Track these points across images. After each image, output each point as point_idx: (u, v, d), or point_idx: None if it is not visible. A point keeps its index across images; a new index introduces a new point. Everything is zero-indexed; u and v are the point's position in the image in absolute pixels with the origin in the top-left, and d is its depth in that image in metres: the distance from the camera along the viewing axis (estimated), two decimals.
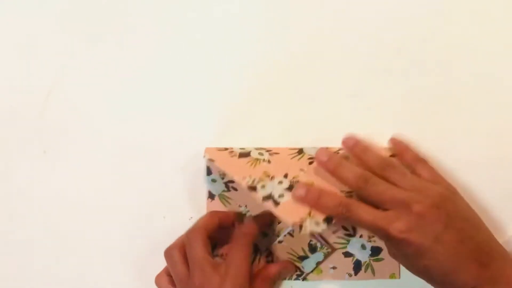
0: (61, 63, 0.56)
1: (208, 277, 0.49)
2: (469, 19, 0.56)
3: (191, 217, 0.57)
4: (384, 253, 0.54)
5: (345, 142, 0.53)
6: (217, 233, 0.53)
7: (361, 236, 0.55)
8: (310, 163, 0.53)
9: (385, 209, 0.47)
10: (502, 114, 0.56)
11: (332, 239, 0.55)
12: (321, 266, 0.55)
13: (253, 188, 0.51)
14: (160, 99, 0.57)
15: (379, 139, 0.55)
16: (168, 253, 0.52)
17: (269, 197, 0.50)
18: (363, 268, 0.55)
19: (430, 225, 0.46)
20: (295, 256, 0.55)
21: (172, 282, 0.53)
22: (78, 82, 0.56)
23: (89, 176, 0.57)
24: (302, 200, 0.49)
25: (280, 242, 0.54)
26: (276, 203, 0.50)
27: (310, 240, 0.54)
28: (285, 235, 0.54)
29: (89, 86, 0.56)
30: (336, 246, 0.55)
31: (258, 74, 0.56)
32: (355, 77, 0.56)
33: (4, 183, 0.57)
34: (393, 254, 0.50)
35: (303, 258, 0.55)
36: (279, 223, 0.55)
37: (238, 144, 0.56)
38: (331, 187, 0.50)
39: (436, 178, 0.51)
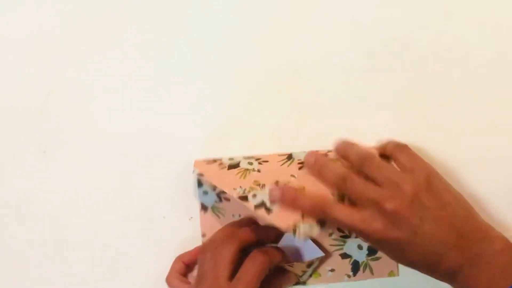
0: (61, 63, 0.55)
1: None
2: (467, 19, 0.56)
3: (191, 217, 0.57)
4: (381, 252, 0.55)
5: (334, 144, 0.54)
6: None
7: (356, 236, 0.55)
8: (300, 168, 0.53)
9: (362, 208, 0.48)
10: (501, 112, 0.57)
11: (328, 241, 0.55)
12: (320, 270, 0.55)
13: (244, 198, 0.51)
14: (160, 99, 0.57)
15: (372, 142, 0.55)
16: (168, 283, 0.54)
17: (261, 205, 0.50)
18: (361, 268, 0.56)
19: (406, 221, 0.47)
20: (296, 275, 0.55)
21: (184, 281, 0.54)
22: (78, 82, 0.56)
23: (89, 176, 0.57)
24: (279, 202, 0.50)
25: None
26: (269, 210, 0.50)
27: (307, 264, 0.54)
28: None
29: (89, 86, 0.56)
30: (332, 248, 0.55)
31: (249, 79, 0.56)
32: (347, 80, 0.56)
33: (4, 183, 0.56)
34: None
35: (302, 275, 0.55)
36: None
37: (232, 145, 0.56)
38: (323, 191, 0.50)
39: (415, 163, 0.50)
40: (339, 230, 0.55)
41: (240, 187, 0.51)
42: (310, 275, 0.56)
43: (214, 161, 0.55)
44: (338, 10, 0.55)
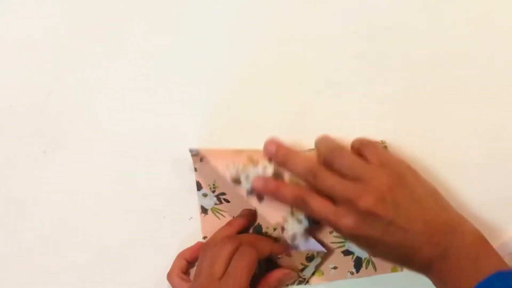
0: (61, 63, 0.56)
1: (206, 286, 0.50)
2: (467, 19, 0.56)
3: (191, 217, 0.57)
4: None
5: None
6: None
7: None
8: None
9: (336, 202, 0.47)
10: (498, 112, 0.56)
11: (330, 239, 0.55)
12: (322, 268, 0.55)
13: (237, 181, 0.51)
14: (160, 99, 0.57)
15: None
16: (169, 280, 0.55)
17: (252, 190, 0.51)
18: (364, 265, 0.55)
19: (377, 220, 0.46)
20: (295, 270, 0.54)
21: (185, 279, 0.54)
22: (78, 82, 0.56)
23: (89, 176, 0.57)
24: (262, 192, 0.50)
25: (279, 258, 0.54)
26: (260, 198, 0.51)
27: (307, 254, 0.54)
28: (279, 258, 0.54)
29: (89, 86, 0.56)
30: (334, 245, 0.55)
31: (249, 77, 0.57)
32: (347, 80, 0.57)
33: (4, 183, 0.56)
34: None
35: (303, 269, 0.54)
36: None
37: (232, 145, 0.56)
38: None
39: (385, 159, 0.50)
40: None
41: (234, 163, 0.51)
42: (313, 274, 0.55)
43: None
44: (337, 8, 0.56)
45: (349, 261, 0.55)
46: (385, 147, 0.55)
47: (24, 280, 0.56)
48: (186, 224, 0.57)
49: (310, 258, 0.54)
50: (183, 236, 0.57)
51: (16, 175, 0.56)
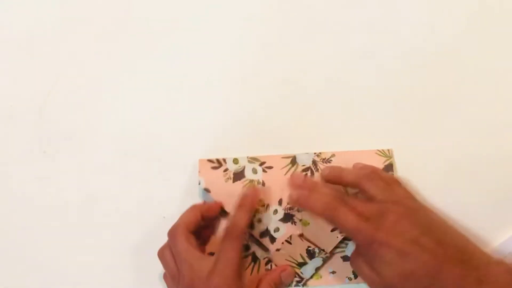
0: (61, 63, 0.56)
1: (196, 269, 0.49)
2: (467, 19, 0.56)
3: None
4: None
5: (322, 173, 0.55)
6: (202, 226, 0.54)
7: None
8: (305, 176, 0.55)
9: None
10: (498, 111, 0.56)
11: None
12: (321, 272, 0.55)
13: (250, 226, 0.53)
14: (160, 99, 0.57)
15: (373, 143, 0.55)
16: (160, 254, 0.53)
17: (265, 233, 0.54)
18: None
19: (407, 232, 0.46)
20: (294, 262, 0.54)
21: (192, 242, 0.53)
22: (78, 82, 0.56)
23: (89, 176, 0.57)
24: (294, 202, 0.52)
25: (278, 250, 0.54)
26: (273, 239, 0.54)
27: (308, 247, 0.54)
28: (282, 243, 0.54)
29: (89, 86, 0.56)
30: (335, 250, 0.55)
31: (253, 80, 0.57)
32: (348, 82, 0.56)
33: (4, 183, 0.57)
34: (364, 266, 0.49)
35: (302, 264, 0.54)
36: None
37: (233, 145, 0.56)
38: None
39: (395, 196, 0.51)
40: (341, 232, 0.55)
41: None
42: (311, 276, 0.55)
43: (219, 163, 0.55)
44: (338, 12, 0.55)
45: (348, 266, 0.55)
46: (391, 164, 0.55)
47: (24, 280, 0.56)
48: None
49: (311, 254, 0.54)
50: None
51: (16, 175, 0.57)
